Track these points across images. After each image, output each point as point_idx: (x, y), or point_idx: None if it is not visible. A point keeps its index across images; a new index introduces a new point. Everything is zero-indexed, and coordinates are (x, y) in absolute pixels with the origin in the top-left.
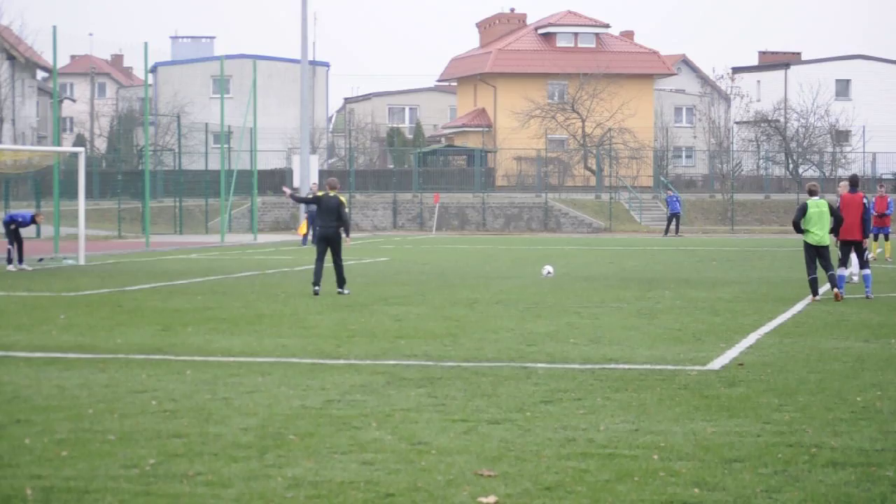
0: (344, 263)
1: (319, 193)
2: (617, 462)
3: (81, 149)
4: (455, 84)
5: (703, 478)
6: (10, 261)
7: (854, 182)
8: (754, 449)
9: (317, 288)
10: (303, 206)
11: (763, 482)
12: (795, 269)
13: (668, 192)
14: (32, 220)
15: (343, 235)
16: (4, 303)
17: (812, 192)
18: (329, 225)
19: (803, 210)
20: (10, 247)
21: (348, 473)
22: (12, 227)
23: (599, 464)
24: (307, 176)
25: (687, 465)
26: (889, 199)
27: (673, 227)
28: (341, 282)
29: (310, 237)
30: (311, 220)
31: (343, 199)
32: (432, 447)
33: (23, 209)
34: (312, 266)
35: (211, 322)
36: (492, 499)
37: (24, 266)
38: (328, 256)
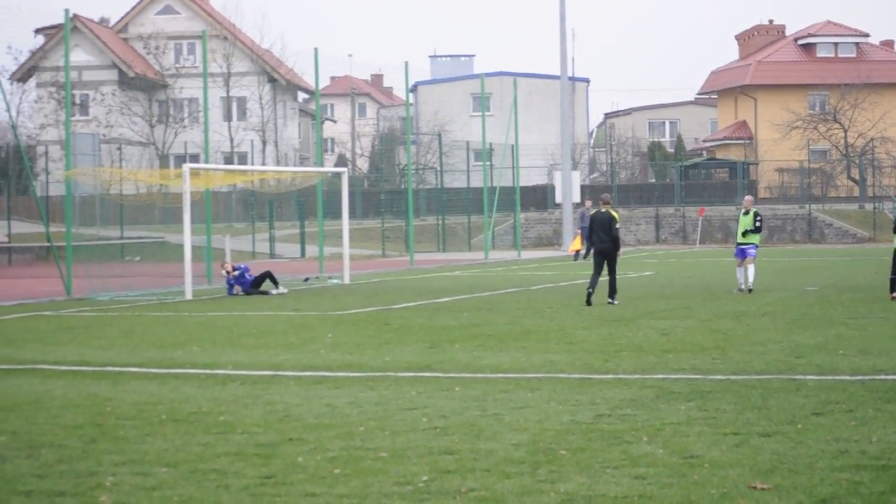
0: (617, 277)
1: (591, 211)
2: (891, 474)
3: (344, 169)
4: (715, 97)
5: None
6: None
7: None
8: None
9: (590, 290)
10: (575, 223)
11: None
12: None
13: None
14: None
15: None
16: (272, 322)
17: None
18: (604, 240)
19: None
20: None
21: (621, 488)
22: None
23: (873, 475)
24: (569, 192)
25: None
26: None
27: None
28: (612, 292)
29: (582, 252)
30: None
31: (615, 214)
32: (704, 460)
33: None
34: (587, 280)
35: (478, 338)
36: None
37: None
38: (604, 269)
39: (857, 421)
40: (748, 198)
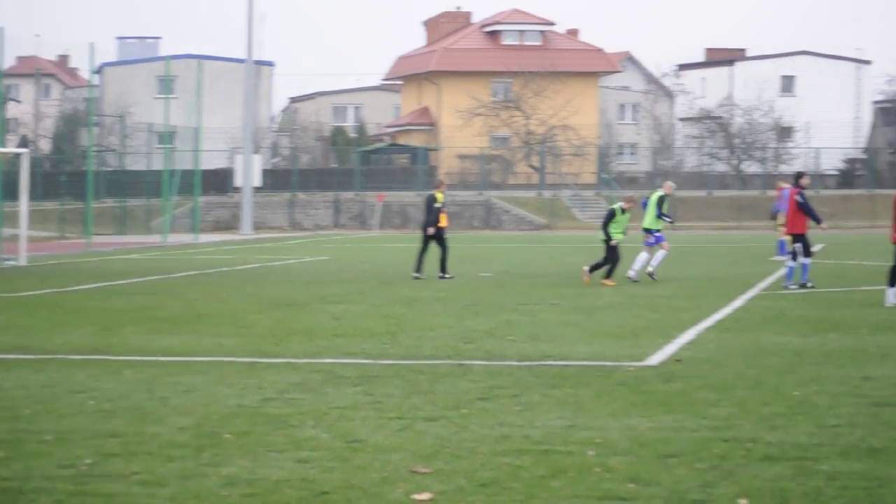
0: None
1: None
2: (552, 458)
3: (25, 150)
4: (401, 83)
5: (639, 473)
6: None
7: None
8: (690, 444)
9: (416, 275)
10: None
11: (698, 477)
12: (737, 264)
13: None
14: None
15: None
16: None
17: None
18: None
19: None
20: None
21: (283, 472)
22: None
23: (535, 460)
24: (250, 176)
25: (622, 460)
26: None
27: None
28: (443, 268)
29: None
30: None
31: (437, 195)
32: (368, 445)
33: None
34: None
35: (150, 322)
36: (426, 496)
37: None
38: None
39: (523, 406)
40: (671, 184)
